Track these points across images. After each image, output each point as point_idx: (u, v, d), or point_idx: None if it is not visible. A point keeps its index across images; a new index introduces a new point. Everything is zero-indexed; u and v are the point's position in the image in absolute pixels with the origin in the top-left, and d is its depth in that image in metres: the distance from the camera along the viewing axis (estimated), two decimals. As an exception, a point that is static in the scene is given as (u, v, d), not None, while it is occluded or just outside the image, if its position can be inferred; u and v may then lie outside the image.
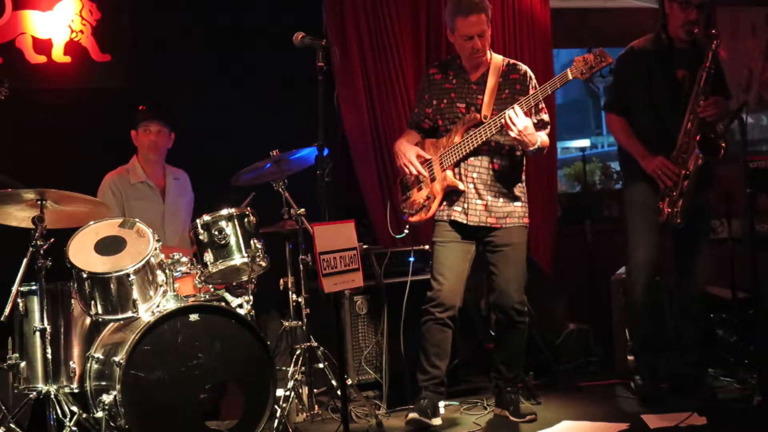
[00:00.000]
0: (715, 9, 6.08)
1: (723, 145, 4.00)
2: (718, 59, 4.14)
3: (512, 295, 3.99)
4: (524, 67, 4.04)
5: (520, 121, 3.73)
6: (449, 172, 3.98)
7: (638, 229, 4.29)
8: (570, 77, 3.74)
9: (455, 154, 3.95)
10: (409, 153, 4.05)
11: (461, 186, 3.96)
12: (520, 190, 4.04)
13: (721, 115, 4.13)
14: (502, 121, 3.77)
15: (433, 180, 4.04)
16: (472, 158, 3.96)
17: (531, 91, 3.92)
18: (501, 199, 3.98)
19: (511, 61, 4.07)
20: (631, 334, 4.61)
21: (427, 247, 4.64)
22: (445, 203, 4.03)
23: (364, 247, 4.51)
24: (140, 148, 4.50)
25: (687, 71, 4.16)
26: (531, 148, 3.83)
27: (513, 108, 3.76)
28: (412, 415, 3.93)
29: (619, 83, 4.39)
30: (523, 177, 4.08)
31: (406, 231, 4.22)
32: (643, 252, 4.26)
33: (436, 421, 3.99)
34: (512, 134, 3.76)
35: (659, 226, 4.21)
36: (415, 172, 4.03)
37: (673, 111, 4.15)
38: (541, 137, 3.87)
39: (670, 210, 4.10)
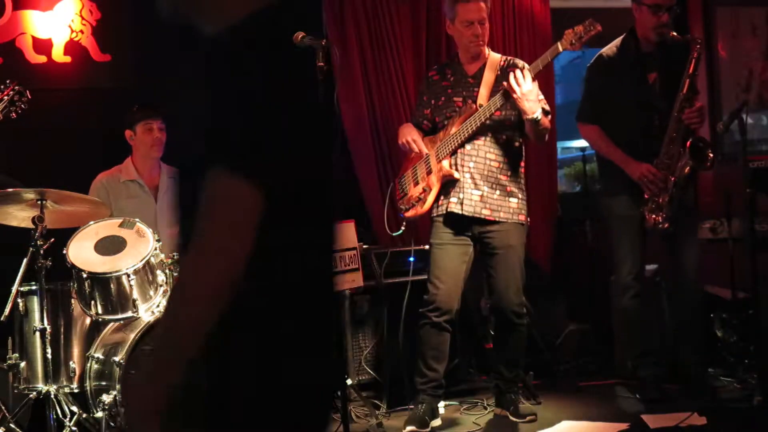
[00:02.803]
0: (715, 9, 6.07)
1: (711, 154, 4.01)
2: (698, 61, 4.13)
3: (511, 298, 3.99)
4: (522, 63, 4.03)
5: (526, 84, 3.70)
6: (445, 162, 3.96)
7: (621, 244, 4.29)
8: (560, 49, 3.76)
9: (451, 143, 3.94)
10: (412, 133, 4.05)
11: (457, 175, 3.94)
12: (517, 185, 4.01)
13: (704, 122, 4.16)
14: (507, 82, 3.74)
15: (429, 173, 4.03)
16: (468, 147, 3.94)
17: None
18: (497, 192, 3.95)
19: (509, 58, 4.08)
20: (630, 349, 4.56)
21: (426, 247, 4.64)
22: (442, 197, 4.01)
23: (364, 247, 4.51)
24: (141, 146, 4.44)
25: (657, 73, 4.17)
26: (530, 116, 3.76)
27: (519, 69, 3.74)
28: (410, 427, 3.90)
29: (590, 92, 4.37)
30: (522, 173, 4.06)
31: (403, 228, 4.21)
32: (629, 267, 4.26)
33: (436, 422, 3.99)
34: (514, 96, 3.72)
35: (643, 238, 4.22)
36: (416, 149, 4.01)
37: (647, 113, 4.17)
38: (543, 120, 3.81)
39: (654, 217, 4.10)
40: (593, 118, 4.33)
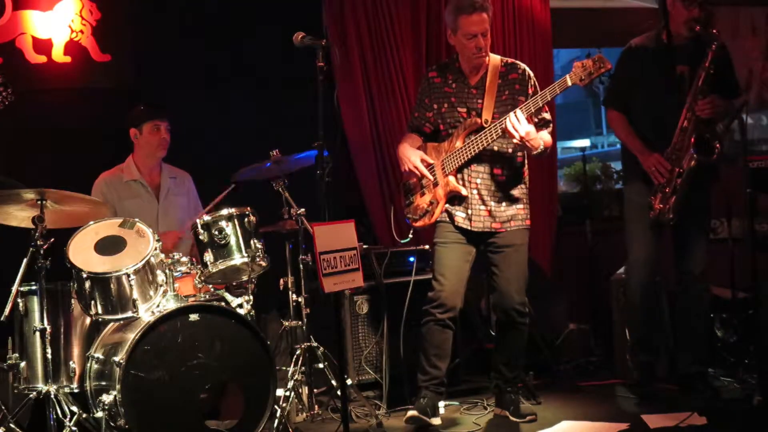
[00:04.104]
0: (716, 9, 6.08)
1: (718, 146, 4.02)
2: (725, 57, 4.18)
3: (513, 296, 4.00)
4: (522, 66, 4.04)
5: (522, 127, 3.73)
6: (452, 178, 3.98)
7: (633, 229, 4.36)
8: (569, 83, 3.73)
9: (457, 159, 3.95)
10: (413, 158, 4.03)
11: (464, 191, 3.96)
12: (521, 192, 4.04)
13: (719, 113, 4.15)
14: (501, 129, 3.78)
15: (435, 185, 4.04)
16: (475, 164, 3.96)
17: (530, 90, 3.94)
18: (504, 204, 3.98)
19: (509, 60, 4.07)
20: (630, 333, 4.63)
21: (427, 246, 4.64)
22: (447, 206, 4.03)
23: (364, 247, 4.51)
24: (146, 146, 4.43)
25: (687, 67, 4.19)
26: (534, 153, 3.84)
27: (514, 113, 3.75)
28: (412, 412, 3.93)
29: (618, 80, 4.44)
30: (526, 179, 4.08)
31: (411, 236, 4.21)
32: (638, 251, 4.33)
33: (436, 421, 3.99)
34: (515, 140, 3.76)
35: (655, 226, 4.24)
36: (421, 175, 4.02)
37: (673, 106, 4.18)
38: (544, 138, 3.88)
39: (661, 206, 4.13)
40: (620, 104, 4.38)
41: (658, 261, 4.36)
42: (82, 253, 3.67)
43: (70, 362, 3.74)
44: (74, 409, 3.60)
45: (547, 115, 3.99)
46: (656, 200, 4.15)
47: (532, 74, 4.02)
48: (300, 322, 4.17)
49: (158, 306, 3.68)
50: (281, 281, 4.26)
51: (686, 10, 4.17)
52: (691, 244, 4.29)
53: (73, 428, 3.52)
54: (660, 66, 4.22)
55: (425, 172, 4.01)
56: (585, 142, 10.63)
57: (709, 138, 4.04)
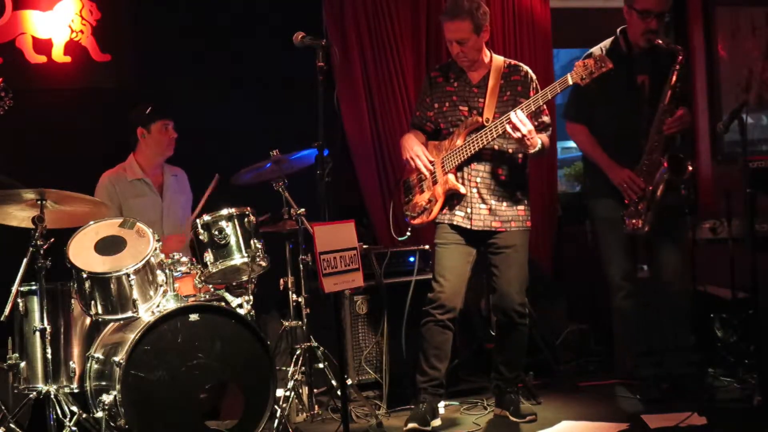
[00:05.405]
0: (715, 9, 6.08)
1: (690, 167, 4.02)
2: (685, 71, 4.17)
3: (513, 297, 4.00)
4: (525, 68, 4.04)
5: (524, 126, 3.73)
6: (451, 176, 3.97)
7: (608, 245, 4.32)
8: (570, 82, 3.74)
9: (457, 157, 3.95)
10: (415, 147, 4.03)
11: (462, 189, 3.95)
12: (522, 192, 4.04)
13: (686, 127, 4.18)
14: (505, 124, 3.77)
15: (435, 183, 4.04)
16: (475, 163, 3.95)
17: (532, 93, 3.92)
18: (505, 203, 3.98)
19: (513, 62, 4.07)
20: (628, 348, 4.57)
21: (427, 247, 4.64)
22: (446, 207, 4.02)
23: (364, 247, 4.51)
24: (155, 145, 4.42)
25: (647, 76, 4.19)
26: (531, 151, 3.83)
27: (516, 111, 3.75)
28: (411, 425, 3.90)
29: (579, 90, 4.26)
30: (526, 180, 4.08)
31: (409, 233, 4.21)
32: (617, 267, 4.29)
33: (436, 422, 3.99)
34: (516, 136, 3.75)
35: (630, 239, 4.23)
36: (421, 166, 4.00)
37: (634, 116, 4.19)
38: (542, 139, 3.87)
39: (634, 221, 4.10)
40: (580, 116, 4.35)
41: (636, 269, 4.34)
42: (82, 253, 3.67)
43: (70, 362, 3.74)
44: (74, 409, 3.60)
45: (546, 119, 3.99)
46: (627, 216, 4.12)
47: (534, 77, 4.03)
48: (300, 322, 4.17)
49: (158, 306, 3.68)
50: (281, 281, 4.26)
51: (643, 22, 4.12)
52: (667, 252, 4.26)
53: (73, 428, 3.53)
54: (620, 75, 4.13)
55: (425, 161, 3.99)
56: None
57: (682, 158, 4.05)
